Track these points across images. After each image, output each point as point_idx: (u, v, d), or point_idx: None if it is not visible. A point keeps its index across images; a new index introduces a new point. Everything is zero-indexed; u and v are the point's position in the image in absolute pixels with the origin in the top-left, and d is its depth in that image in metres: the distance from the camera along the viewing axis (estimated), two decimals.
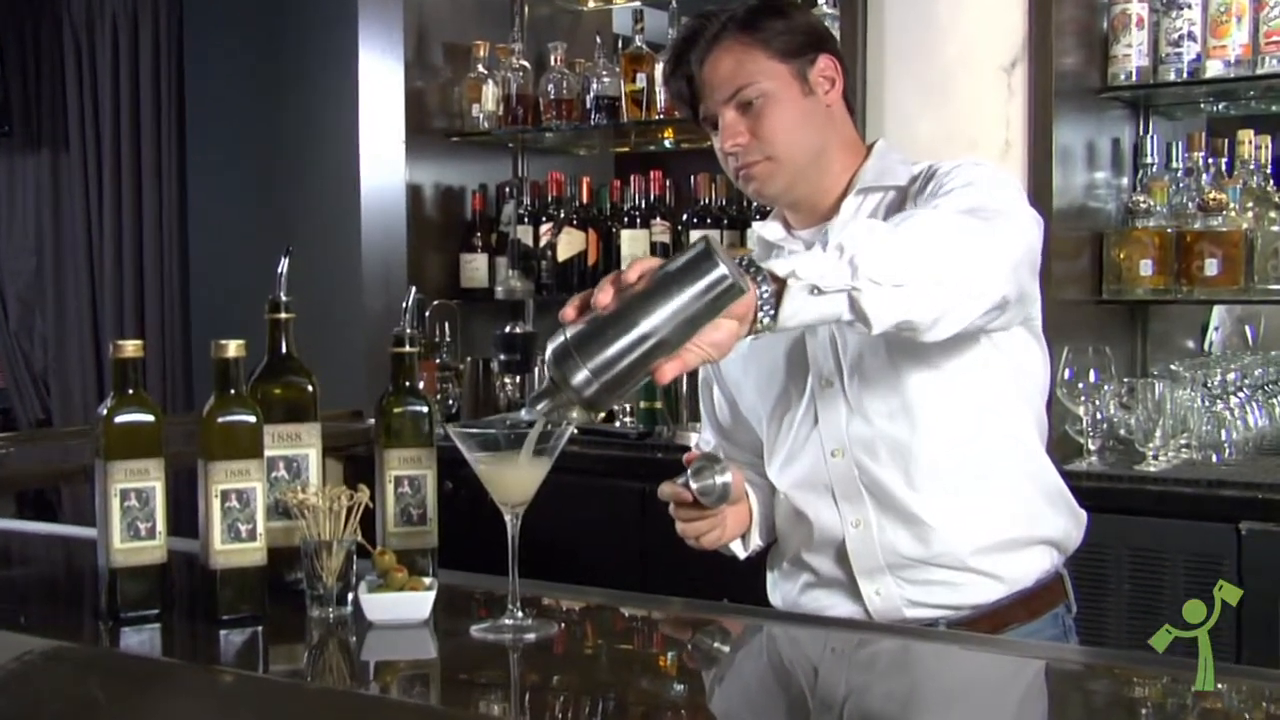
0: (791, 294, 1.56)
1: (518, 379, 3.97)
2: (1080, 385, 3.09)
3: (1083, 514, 2.07)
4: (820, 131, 2.01)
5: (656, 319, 1.48)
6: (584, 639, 1.86)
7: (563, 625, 1.81)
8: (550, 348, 1.51)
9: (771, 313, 1.56)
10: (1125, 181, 3.52)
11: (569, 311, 1.52)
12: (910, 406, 1.93)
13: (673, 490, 1.96)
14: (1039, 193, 3.22)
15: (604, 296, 1.49)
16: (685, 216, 4.01)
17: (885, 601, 1.99)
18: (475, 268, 4.29)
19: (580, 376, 1.48)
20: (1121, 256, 3.33)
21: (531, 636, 1.72)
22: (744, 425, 2.17)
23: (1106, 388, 3.09)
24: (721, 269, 1.48)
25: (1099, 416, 3.11)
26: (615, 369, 1.48)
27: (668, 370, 1.50)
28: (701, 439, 2.30)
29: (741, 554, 2.11)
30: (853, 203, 2.01)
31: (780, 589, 2.13)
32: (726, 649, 1.81)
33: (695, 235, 3.92)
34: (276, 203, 5.36)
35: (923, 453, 1.94)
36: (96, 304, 5.68)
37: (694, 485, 1.95)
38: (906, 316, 1.62)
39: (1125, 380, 3.18)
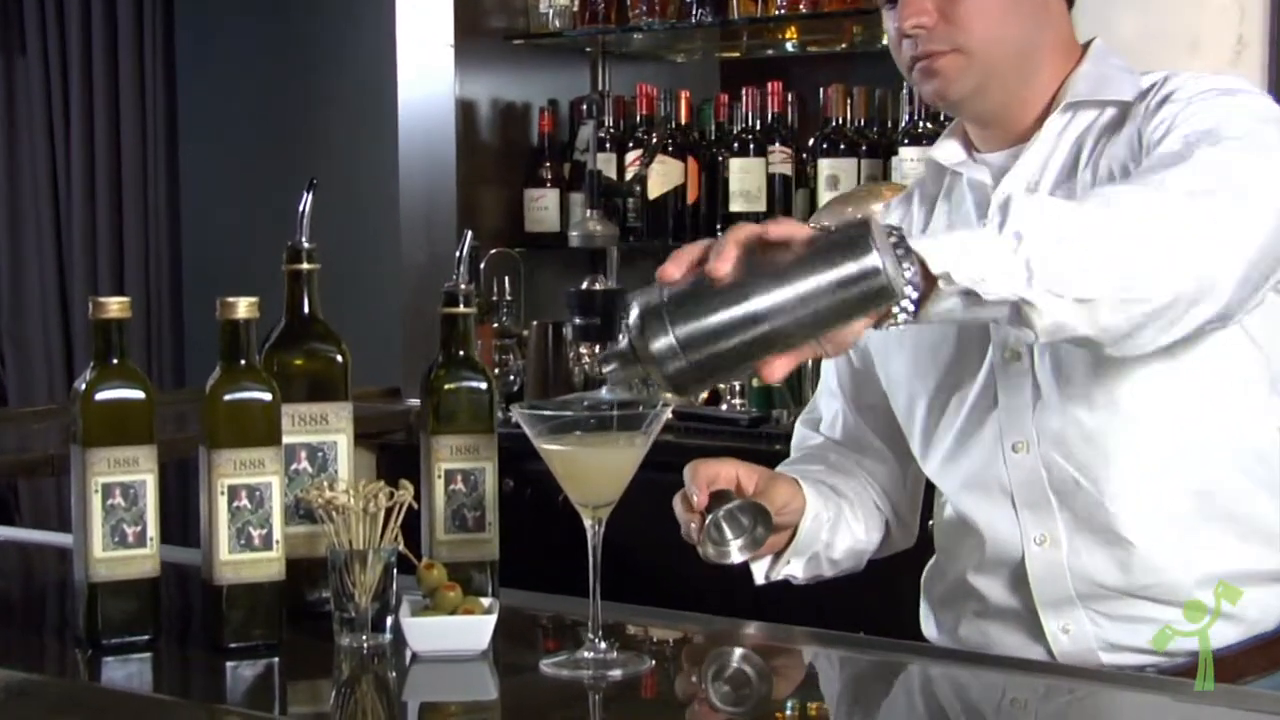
0: (943, 294, 1.59)
1: (596, 347, 4.00)
2: None
3: None
4: (1032, 24, 1.99)
5: (775, 300, 1.51)
6: (681, 677, 1.89)
7: (654, 660, 1.84)
8: (636, 302, 1.54)
9: (914, 301, 1.57)
10: None
11: (671, 269, 1.54)
12: (1118, 392, 1.91)
13: (687, 525, 1.96)
14: None
15: (723, 263, 1.52)
16: (812, 141, 4.02)
17: (1075, 642, 1.99)
18: (543, 207, 4.32)
19: (664, 344, 1.52)
20: None
21: (616, 674, 1.75)
22: (882, 397, 2.18)
23: None
24: (876, 259, 1.50)
25: None
26: (710, 348, 1.52)
27: (778, 367, 1.53)
28: (809, 413, 2.30)
29: (759, 578, 2.11)
30: (1058, 121, 1.99)
31: (937, 618, 2.14)
32: (865, 693, 1.83)
33: (826, 165, 3.93)
34: (292, 125, 5.42)
35: (1132, 452, 1.93)
36: (63, 253, 5.75)
37: (712, 552, 1.94)
38: (1086, 333, 1.65)
39: None
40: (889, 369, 2.15)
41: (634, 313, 1.54)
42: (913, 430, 2.12)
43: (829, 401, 2.27)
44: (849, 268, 1.51)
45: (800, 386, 3.62)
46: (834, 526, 2.11)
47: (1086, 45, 2.06)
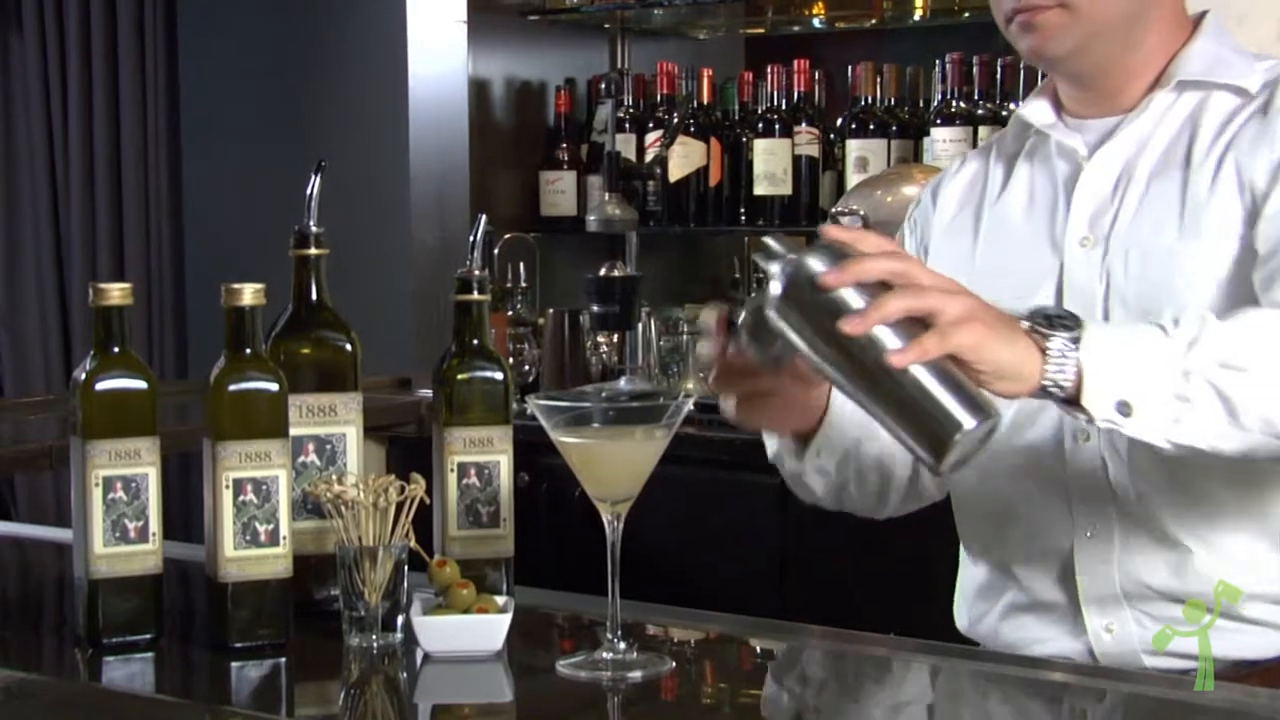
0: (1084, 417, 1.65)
1: (615, 337, 4.00)
2: None
3: None
4: None
5: (876, 382, 1.59)
6: (703, 681, 1.90)
7: (675, 662, 1.83)
8: (793, 265, 1.62)
9: (1058, 393, 1.63)
10: None
11: (831, 279, 1.58)
12: None
13: (714, 323, 1.80)
14: None
15: (862, 325, 1.57)
16: (840, 122, 4.02)
17: (1118, 643, 1.98)
18: (560, 190, 4.33)
19: (773, 314, 1.63)
20: None
21: (636, 675, 1.75)
22: None
23: None
24: (973, 424, 1.57)
25: None
26: (795, 344, 1.64)
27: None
28: None
29: (788, 462, 2.03)
30: (1164, 100, 1.98)
31: (973, 609, 2.13)
32: (901, 697, 1.83)
33: (854, 147, 3.92)
34: (298, 105, 5.43)
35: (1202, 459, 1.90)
36: (61, 238, 5.77)
37: (749, 340, 1.77)
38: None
39: None
40: None
41: (775, 299, 1.63)
42: None
43: None
44: (951, 410, 1.58)
45: None
46: (864, 431, 2.00)
47: (1198, 19, 2.04)
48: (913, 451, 1.62)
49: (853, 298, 1.58)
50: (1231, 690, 1.77)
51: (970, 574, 2.15)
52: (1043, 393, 1.64)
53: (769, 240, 1.67)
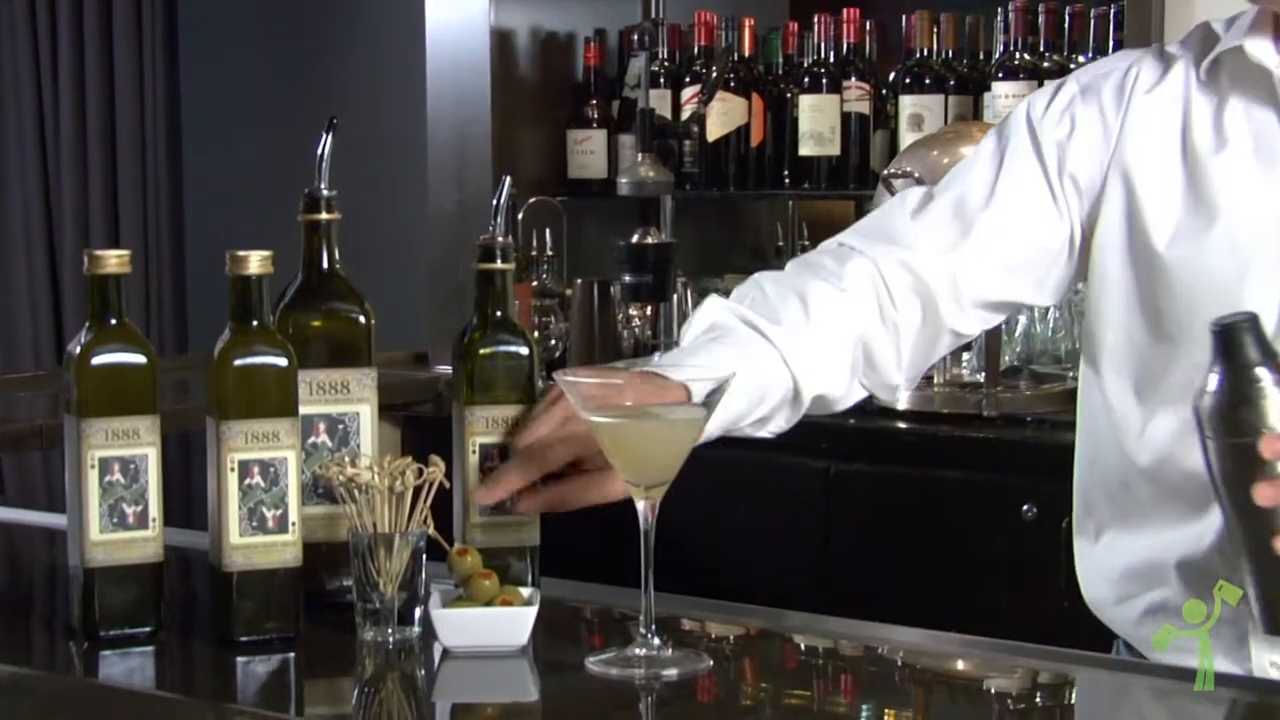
0: None
1: (648, 309, 4.00)
2: None
3: None
4: None
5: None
6: (743, 679, 1.91)
7: (712, 660, 1.83)
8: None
9: None
10: None
11: (1271, 450, 1.63)
12: None
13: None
14: None
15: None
16: (893, 76, 4.01)
17: None
18: (588, 150, 4.33)
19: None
20: None
21: (671, 673, 1.75)
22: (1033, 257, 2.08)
23: None
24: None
25: None
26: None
27: None
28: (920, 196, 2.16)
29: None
30: None
31: (1119, 587, 2.05)
32: (980, 702, 1.84)
33: (908, 103, 3.92)
34: (307, 59, 5.43)
35: None
36: (51, 204, 5.79)
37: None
38: None
39: None
40: (1104, 276, 2.03)
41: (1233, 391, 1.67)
42: (1131, 358, 2.03)
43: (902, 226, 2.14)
44: None
45: None
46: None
47: None
48: (1254, 605, 1.71)
49: None
50: None
51: (1116, 547, 2.05)
52: None
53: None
